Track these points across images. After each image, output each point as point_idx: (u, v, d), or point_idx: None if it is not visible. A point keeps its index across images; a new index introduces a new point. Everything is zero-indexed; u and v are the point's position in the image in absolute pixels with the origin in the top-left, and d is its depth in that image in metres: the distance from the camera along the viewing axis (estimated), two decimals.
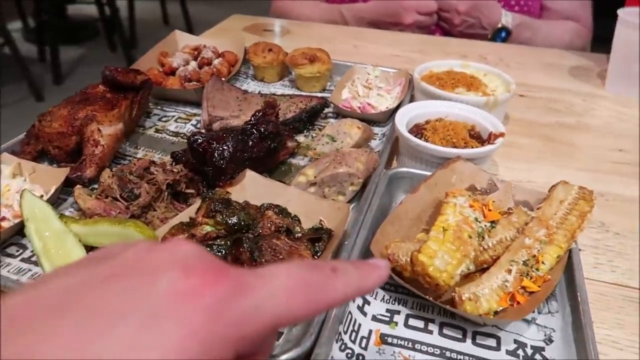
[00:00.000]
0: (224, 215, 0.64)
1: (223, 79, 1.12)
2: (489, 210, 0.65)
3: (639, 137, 1.03)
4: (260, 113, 0.78)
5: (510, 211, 0.66)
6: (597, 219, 0.79)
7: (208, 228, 0.63)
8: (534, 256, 0.61)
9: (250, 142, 0.76)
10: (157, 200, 0.72)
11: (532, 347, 0.57)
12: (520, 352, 0.56)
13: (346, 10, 1.67)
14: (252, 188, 0.74)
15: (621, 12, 1.16)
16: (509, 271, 0.60)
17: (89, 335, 0.22)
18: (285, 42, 1.50)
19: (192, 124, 1.01)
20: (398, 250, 0.61)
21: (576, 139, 1.02)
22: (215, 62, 1.14)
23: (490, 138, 0.85)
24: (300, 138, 0.98)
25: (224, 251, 0.61)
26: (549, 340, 0.58)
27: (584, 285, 0.59)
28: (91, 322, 0.22)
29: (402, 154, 0.88)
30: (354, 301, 0.60)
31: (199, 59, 1.15)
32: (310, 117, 1.00)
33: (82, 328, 0.22)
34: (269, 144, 0.78)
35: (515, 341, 0.58)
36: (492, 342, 0.57)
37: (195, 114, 1.04)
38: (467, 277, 0.63)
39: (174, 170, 0.74)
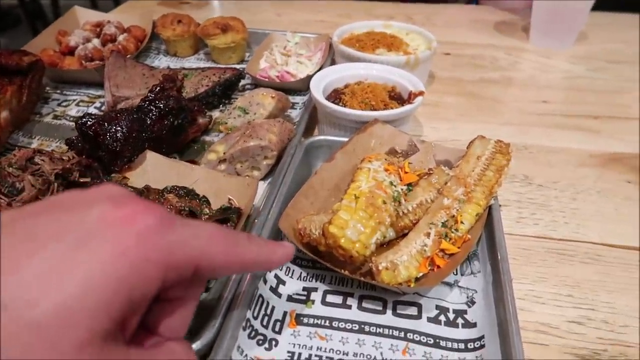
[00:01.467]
0: None
1: (129, 56, 1.03)
2: (405, 172, 0.61)
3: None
4: (158, 88, 0.71)
5: (430, 172, 0.62)
6: (521, 172, 0.78)
7: None
8: (453, 216, 0.59)
9: (149, 121, 0.69)
10: (45, 193, 0.64)
11: (454, 311, 0.54)
12: (442, 317, 0.54)
13: None
14: (154, 170, 0.68)
15: None
16: (428, 235, 0.57)
17: (23, 253, 0.23)
18: (204, 13, 1.41)
19: (95, 107, 0.92)
20: (310, 224, 0.57)
21: (501, 94, 1.01)
22: (120, 38, 1.05)
23: (410, 98, 0.81)
24: (216, 113, 0.91)
25: None
26: (471, 302, 0.55)
27: (503, 242, 0.56)
28: (25, 243, 0.23)
29: (321, 121, 0.83)
30: (265, 283, 0.55)
31: (101, 36, 1.05)
32: (225, 91, 0.93)
33: (16, 248, 0.23)
34: (171, 122, 0.71)
35: (437, 307, 0.55)
36: (413, 310, 0.54)
37: (99, 96, 0.95)
38: (388, 245, 0.60)
39: (64, 158, 0.66)
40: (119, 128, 0.65)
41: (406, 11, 1.45)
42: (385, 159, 0.60)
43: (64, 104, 0.93)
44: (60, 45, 1.04)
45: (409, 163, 0.66)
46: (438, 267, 0.56)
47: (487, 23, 1.36)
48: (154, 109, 0.70)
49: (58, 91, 0.97)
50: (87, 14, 1.15)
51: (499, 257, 0.55)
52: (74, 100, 0.94)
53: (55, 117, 0.89)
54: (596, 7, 1.13)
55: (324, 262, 0.54)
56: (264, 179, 0.74)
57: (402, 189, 0.59)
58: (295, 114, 0.91)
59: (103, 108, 0.92)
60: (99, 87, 0.96)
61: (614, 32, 1.31)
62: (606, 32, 1.30)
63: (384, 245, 0.60)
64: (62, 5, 4.09)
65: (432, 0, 1.53)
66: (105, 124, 0.65)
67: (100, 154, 0.67)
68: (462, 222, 0.58)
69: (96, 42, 1.05)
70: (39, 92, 0.90)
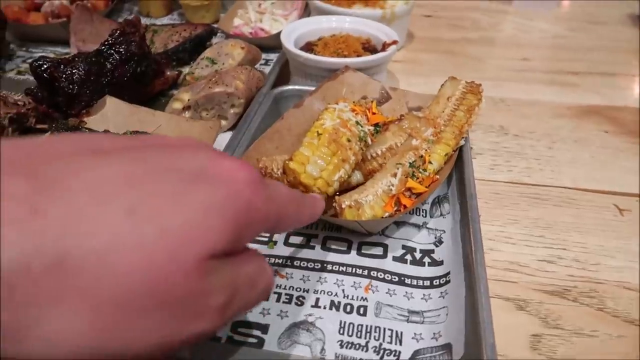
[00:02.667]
0: None
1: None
2: (373, 113, 0.59)
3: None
4: (118, 32, 0.68)
5: (402, 117, 0.60)
6: (497, 123, 0.76)
7: None
8: (421, 157, 0.56)
9: (108, 65, 0.66)
10: None
11: (421, 250, 0.53)
12: (408, 256, 0.52)
13: None
14: (114, 117, 0.65)
15: None
16: (395, 175, 0.55)
17: (131, 181, 0.22)
18: None
19: None
20: (271, 163, 0.55)
21: (480, 52, 0.99)
22: None
23: (384, 48, 0.79)
24: (186, 69, 0.88)
25: None
26: (439, 242, 0.53)
27: (473, 181, 0.54)
28: (133, 170, 0.23)
29: (293, 73, 0.81)
30: None
31: None
32: (196, 46, 0.90)
33: (125, 173, 0.23)
34: (133, 68, 0.68)
35: (404, 247, 0.53)
36: (378, 250, 0.53)
37: (66, 54, 0.92)
38: (356, 189, 0.58)
39: (19, 103, 0.63)
40: (75, 70, 0.63)
41: None
42: (353, 102, 0.58)
43: (29, 60, 0.90)
44: (25, 1, 1.01)
45: (377, 106, 0.63)
46: (404, 206, 0.54)
47: None
48: (114, 53, 0.67)
49: (23, 48, 0.93)
50: None
51: (467, 194, 0.53)
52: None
53: (19, 72, 0.86)
54: None
55: None
56: (231, 128, 0.72)
57: (369, 129, 0.57)
58: (267, 70, 0.88)
59: None
60: (66, 44, 0.93)
61: None
62: None
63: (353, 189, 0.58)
64: None
65: None
66: (62, 66, 0.62)
67: (58, 100, 0.64)
68: (430, 162, 0.56)
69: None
70: (2, 48, 0.87)
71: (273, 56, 0.93)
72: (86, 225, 0.21)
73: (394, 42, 0.77)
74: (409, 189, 0.55)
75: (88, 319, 0.21)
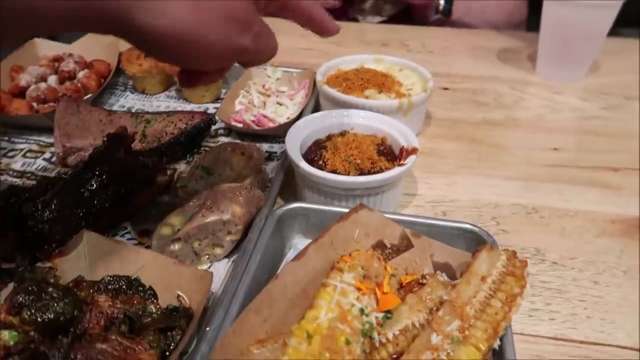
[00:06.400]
0: (33, 310, 0.46)
1: (89, 95, 0.92)
2: (384, 293, 0.49)
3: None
4: (99, 151, 0.59)
5: (424, 281, 0.50)
6: (532, 244, 0.66)
7: (7, 335, 0.45)
8: None
9: (87, 193, 0.57)
10: None
11: None
12: None
13: None
14: (91, 255, 0.56)
15: None
16: None
17: None
18: None
19: (44, 159, 0.81)
20: None
21: (505, 139, 0.89)
22: (80, 74, 0.94)
23: (402, 155, 0.70)
24: (181, 166, 0.80)
25: None
26: None
27: None
28: None
29: (299, 184, 0.72)
30: None
31: (58, 72, 0.94)
32: (193, 139, 0.82)
33: None
34: (116, 191, 0.60)
35: None
36: None
37: (51, 144, 0.84)
38: None
39: None
40: (46, 206, 0.54)
41: (400, 36, 1.33)
42: (361, 269, 0.48)
43: (10, 154, 0.82)
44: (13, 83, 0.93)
45: (392, 275, 0.52)
46: None
47: (488, 50, 1.25)
48: (93, 177, 0.58)
49: (6, 138, 0.85)
50: (48, 46, 1.04)
51: None
52: (22, 149, 0.83)
53: None
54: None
55: None
56: (228, 256, 0.63)
57: (376, 318, 0.46)
58: (272, 165, 0.79)
59: (53, 159, 0.81)
60: (51, 132, 0.85)
61: (630, 61, 1.19)
62: (621, 61, 1.18)
63: None
64: None
65: (423, 22, 1.42)
66: (30, 203, 0.54)
67: (26, 235, 0.55)
68: None
69: (53, 79, 0.93)
70: None
71: (277, 147, 0.84)
72: None
73: (414, 151, 0.68)
74: None
75: (188, 8, 0.38)
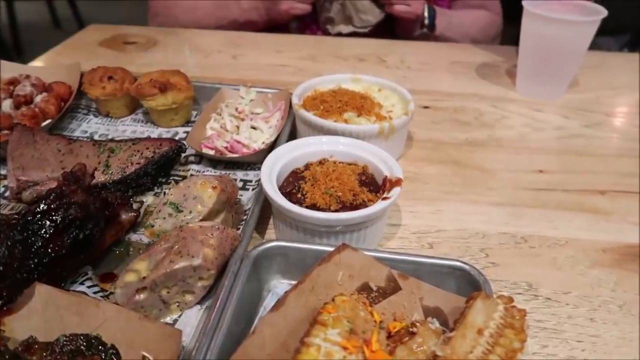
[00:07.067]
0: None
1: (49, 120, 0.86)
2: (372, 352, 0.44)
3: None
4: (53, 194, 0.53)
5: (414, 329, 0.46)
6: (523, 278, 0.63)
7: None
8: None
9: (39, 242, 0.52)
10: None
11: None
12: None
13: None
14: (46, 311, 0.50)
15: (526, 4, 1.01)
16: None
17: None
18: (151, 56, 1.24)
19: None
20: None
21: (489, 161, 0.86)
22: (38, 98, 0.87)
23: (385, 185, 0.66)
24: (149, 198, 0.74)
25: None
26: None
27: None
28: None
29: (277, 217, 0.67)
30: None
31: (14, 96, 0.87)
32: (162, 168, 0.77)
33: None
34: (74, 235, 0.54)
35: None
36: None
37: (3, 177, 0.77)
38: None
39: None
40: None
41: (378, 51, 1.30)
42: (347, 323, 0.44)
43: None
44: None
45: (381, 329, 0.48)
46: None
47: (467, 66, 1.23)
48: (48, 222, 0.52)
49: None
50: (8, 68, 0.97)
51: None
52: None
53: None
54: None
55: None
56: (200, 302, 0.58)
57: None
58: (247, 195, 0.75)
59: (7, 194, 0.74)
60: (3, 164, 0.78)
61: (609, 76, 1.19)
62: (599, 76, 1.18)
63: None
64: (22, 25, 3.87)
65: (406, 37, 1.39)
66: None
67: None
68: None
69: (8, 104, 0.87)
70: None
71: (252, 175, 0.79)
72: None
73: (398, 182, 0.64)
74: None
75: None
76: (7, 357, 0.43)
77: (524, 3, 1.01)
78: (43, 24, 4.31)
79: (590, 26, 0.98)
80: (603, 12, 0.97)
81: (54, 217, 0.53)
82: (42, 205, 0.53)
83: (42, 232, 0.52)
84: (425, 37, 1.38)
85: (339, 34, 1.39)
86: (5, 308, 0.49)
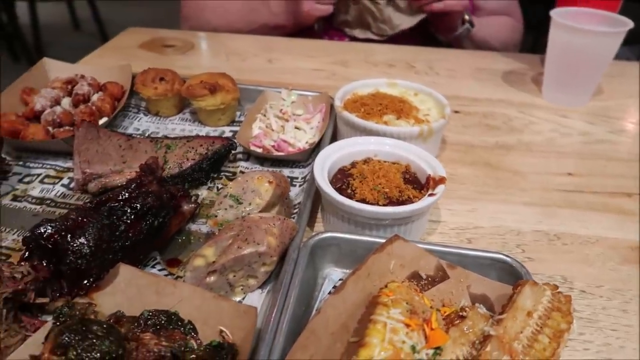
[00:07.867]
0: (79, 350, 0.45)
1: (105, 118, 0.91)
2: (432, 329, 0.49)
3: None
4: (134, 184, 0.59)
5: (464, 313, 0.51)
6: (558, 272, 0.68)
7: None
8: None
9: (123, 226, 0.57)
10: None
11: None
12: None
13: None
14: (128, 289, 0.56)
15: (554, 14, 1.06)
16: None
17: None
18: (189, 59, 1.30)
19: (62, 185, 0.80)
20: None
21: (520, 164, 0.91)
22: (94, 97, 0.93)
23: (429, 183, 0.71)
24: (203, 192, 0.80)
25: None
26: None
27: None
28: None
29: (326, 210, 0.72)
30: None
31: (72, 95, 0.93)
32: (214, 164, 0.82)
33: None
34: (150, 222, 0.59)
35: None
36: None
37: (68, 169, 0.83)
38: None
39: (16, 275, 0.54)
40: (83, 241, 0.53)
41: (406, 57, 1.35)
42: (407, 305, 0.49)
43: (26, 179, 0.80)
44: (25, 105, 0.92)
45: (437, 310, 0.52)
46: None
47: (492, 73, 1.27)
48: (129, 210, 0.58)
49: (20, 162, 0.84)
50: (57, 67, 1.03)
51: None
52: (38, 175, 0.81)
53: (15, 197, 0.76)
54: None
55: None
56: (261, 286, 0.63)
57: (426, 354, 0.47)
58: (294, 191, 0.80)
59: (72, 185, 0.80)
60: (68, 156, 0.84)
61: (629, 84, 1.23)
62: (621, 85, 1.22)
63: None
64: (43, 26, 3.96)
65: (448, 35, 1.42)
66: (68, 234, 0.53)
67: (63, 268, 0.54)
68: None
69: (66, 102, 0.92)
70: None
71: (298, 172, 0.84)
72: None
73: (442, 181, 0.69)
74: None
75: None
76: (104, 326, 0.48)
77: (552, 14, 1.06)
78: (63, 25, 4.41)
79: (616, 37, 1.02)
80: (629, 24, 1.01)
81: (134, 205, 0.58)
82: (124, 193, 0.58)
83: (125, 217, 0.58)
84: (467, 33, 1.38)
85: (355, 39, 1.42)
86: (94, 285, 0.54)
